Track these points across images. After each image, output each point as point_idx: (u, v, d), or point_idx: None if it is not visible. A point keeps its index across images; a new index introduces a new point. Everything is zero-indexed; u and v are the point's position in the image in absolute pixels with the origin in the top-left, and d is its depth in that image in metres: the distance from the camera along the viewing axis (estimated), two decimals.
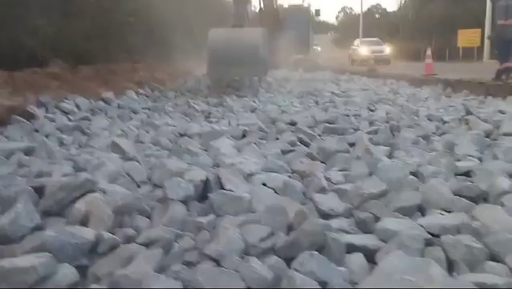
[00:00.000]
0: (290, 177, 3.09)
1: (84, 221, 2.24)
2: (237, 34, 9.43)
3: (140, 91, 9.31)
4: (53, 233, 1.92)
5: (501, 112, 5.58)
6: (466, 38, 28.54)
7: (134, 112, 6.74)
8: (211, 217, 2.34)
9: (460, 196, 2.56)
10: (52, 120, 5.60)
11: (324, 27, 46.62)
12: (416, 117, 5.49)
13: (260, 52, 9.60)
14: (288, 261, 1.85)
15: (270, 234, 2.10)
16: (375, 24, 50.43)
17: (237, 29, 9.82)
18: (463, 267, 1.83)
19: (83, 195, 2.42)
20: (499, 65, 9.33)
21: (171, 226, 2.20)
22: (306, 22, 21.82)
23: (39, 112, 5.84)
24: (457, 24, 29.76)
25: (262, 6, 17.52)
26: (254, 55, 9.44)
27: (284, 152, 3.83)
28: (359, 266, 1.89)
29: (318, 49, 29.00)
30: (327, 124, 5.19)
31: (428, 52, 13.66)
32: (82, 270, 1.88)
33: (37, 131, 4.96)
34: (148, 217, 2.39)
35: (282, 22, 18.50)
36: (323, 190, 2.76)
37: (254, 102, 7.96)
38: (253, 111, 6.83)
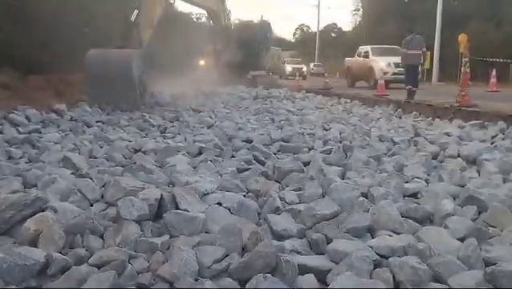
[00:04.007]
0: (245, 196, 3.12)
1: (34, 242, 2.19)
2: (112, 56, 8.90)
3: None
4: (0, 254, 1.86)
5: (448, 135, 5.85)
6: None
7: (87, 126, 6.58)
8: (165, 237, 2.34)
9: (407, 217, 2.68)
10: (0, 132, 5.40)
11: (281, 44, 47.56)
12: (368, 138, 5.66)
13: (133, 74, 8.90)
14: (242, 283, 1.87)
15: (225, 255, 2.12)
16: (331, 42, 51.59)
17: (114, 50, 9.34)
18: (409, 288, 1.91)
19: (33, 214, 2.36)
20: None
21: (124, 247, 2.18)
22: (263, 39, 21.41)
23: None
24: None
25: (211, 22, 17.48)
26: (127, 78, 8.82)
27: (240, 171, 3.86)
28: (311, 287, 1.94)
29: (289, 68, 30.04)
30: (283, 143, 5.28)
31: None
32: None
33: None
34: (101, 237, 2.35)
35: (235, 39, 18.32)
36: (277, 210, 2.81)
37: (211, 118, 7.98)
38: (209, 127, 6.83)
